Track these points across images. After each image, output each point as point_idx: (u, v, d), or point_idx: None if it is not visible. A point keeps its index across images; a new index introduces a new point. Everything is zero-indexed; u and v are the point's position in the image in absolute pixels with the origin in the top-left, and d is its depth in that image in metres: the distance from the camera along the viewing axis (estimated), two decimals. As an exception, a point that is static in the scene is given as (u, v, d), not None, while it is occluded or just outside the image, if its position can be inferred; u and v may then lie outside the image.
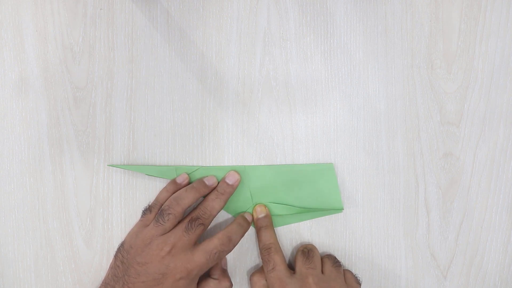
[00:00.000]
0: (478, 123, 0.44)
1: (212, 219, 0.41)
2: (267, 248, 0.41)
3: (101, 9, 0.43)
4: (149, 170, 0.43)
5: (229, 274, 0.43)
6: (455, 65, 0.44)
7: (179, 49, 0.43)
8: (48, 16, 0.43)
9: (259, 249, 0.42)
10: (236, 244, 0.41)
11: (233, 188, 0.42)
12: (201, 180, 0.42)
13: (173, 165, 0.43)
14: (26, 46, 0.43)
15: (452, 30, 0.43)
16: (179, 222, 0.40)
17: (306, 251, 0.41)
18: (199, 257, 0.38)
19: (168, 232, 0.39)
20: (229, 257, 0.44)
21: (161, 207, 0.41)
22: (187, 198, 0.41)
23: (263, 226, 0.42)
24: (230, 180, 0.42)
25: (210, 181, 0.42)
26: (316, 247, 0.43)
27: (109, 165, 0.43)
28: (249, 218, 0.43)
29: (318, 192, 0.43)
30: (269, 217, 0.43)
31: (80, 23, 0.43)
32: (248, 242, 0.44)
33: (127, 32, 0.43)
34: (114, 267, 0.40)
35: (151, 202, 0.42)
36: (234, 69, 0.43)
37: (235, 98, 0.43)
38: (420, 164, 0.44)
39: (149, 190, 0.44)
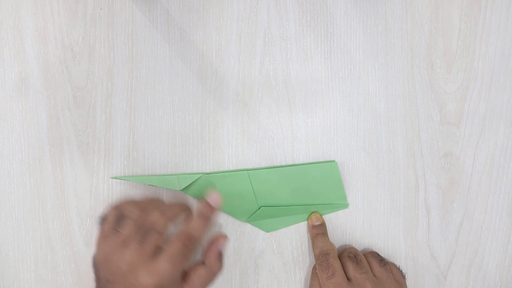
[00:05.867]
0: (478, 123, 0.44)
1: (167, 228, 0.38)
2: (325, 254, 0.40)
3: (101, 9, 0.43)
4: (151, 180, 0.42)
5: (230, 275, 0.43)
6: (455, 65, 0.44)
7: (179, 49, 0.43)
8: (48, 16, 0.43)
9: (315, 255, 0.41)
10: (201, 238, 0.38)
11: (213, 212, 0.40)
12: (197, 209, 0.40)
13: (175, 174, 0.43)
14: (26, 46, 0.43)
15: (452, 30, 0.43)
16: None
17: (352, 256, 0.40)
18: (164, 266, 0.35)
19: (123, 246, 0.36)
20: (229, 258, 0.44)
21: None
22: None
23: (320, 233, 0.42)
24: (211, 202, 0.41)
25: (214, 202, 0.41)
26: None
27: (112, 178, 0.43)
28: (214, 201, 0.41)
29: (322, 190, 0.43)
30: (324, 225, 0.43)
31: (80, 23, 0.43)
32: (249, 241, 0.44)
33: (127, 32, 0.43)
34: (95, 281, 0.38)
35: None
36: (234, 69, 0.43)
37: (235, 98, 0.43)
38: (420, 164, 0.44)
39: (149, 190, 0.44)
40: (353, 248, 0.42)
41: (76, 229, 0.43)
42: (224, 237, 0.41)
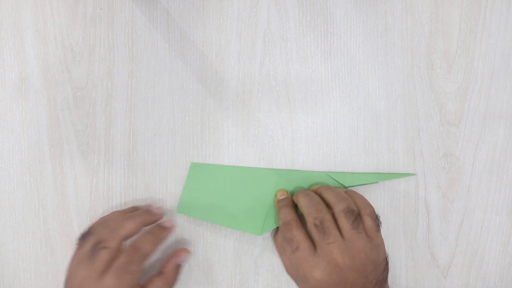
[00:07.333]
0: (478, 123, 0.44)
1: (119, 242, 0.37)
2: (287, 224, 0.38)
3: (101, 9, 0.43)
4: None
5: (230, 275, 0.43)
6: (455, 65, 0.44)
7: (179, 49, 0.43)
8: (48, 16, 0.43)
9: (280, 229, 0.40)
10: (149, 253, 0.38)
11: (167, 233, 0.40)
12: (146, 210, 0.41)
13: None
14: (26, 46, 0.43)
15: (452, 30, 0.43)
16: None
17: (318, 223, 0.37)
18: (109, 281, 0.35)
19: (78, 263, 0.37)
20: (229, 258, 0.44)
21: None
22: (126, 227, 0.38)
23: (283, 205, 0.41)
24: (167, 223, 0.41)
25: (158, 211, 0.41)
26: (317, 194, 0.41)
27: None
28: (168, 224, 0.41)
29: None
30: (289, 198, 0.42)
31: (80, 23, 0.43)
32: (249, 241, 0.44)
33: (127, 32, 0.43)
34: None
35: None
36: (234, 69, 0.43)
37: (235, 98, 0.43)
38: (420, 164, 0.44)
39: (149, 190, 0.44)
40: (320, 210, 0.38)
41: (76, 229, 0.43)
42: (186, 251, 0.42)
